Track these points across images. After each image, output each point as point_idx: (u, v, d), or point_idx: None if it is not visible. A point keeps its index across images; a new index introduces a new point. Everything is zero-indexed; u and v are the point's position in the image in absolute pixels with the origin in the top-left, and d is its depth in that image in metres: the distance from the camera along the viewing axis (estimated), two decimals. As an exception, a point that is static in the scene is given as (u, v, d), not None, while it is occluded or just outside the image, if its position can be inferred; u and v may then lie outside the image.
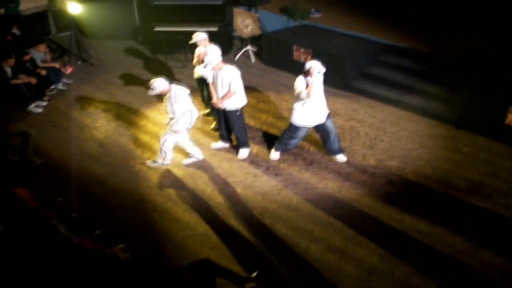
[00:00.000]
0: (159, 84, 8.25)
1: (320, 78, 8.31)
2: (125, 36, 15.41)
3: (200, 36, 9.75)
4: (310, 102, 8.35)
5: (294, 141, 9.04)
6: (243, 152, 9.35)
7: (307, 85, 8.19)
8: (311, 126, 8.75)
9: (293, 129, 8.80)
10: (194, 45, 9.92)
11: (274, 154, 9.29)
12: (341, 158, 9.11)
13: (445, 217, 7.64)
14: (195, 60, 9.92)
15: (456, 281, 6.57)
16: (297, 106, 8.55)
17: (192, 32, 9.91)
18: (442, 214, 7.71)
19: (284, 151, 9.27)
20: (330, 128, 8.76)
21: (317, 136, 9.13)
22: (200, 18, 13.74)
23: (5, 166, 8.34)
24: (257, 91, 11.75)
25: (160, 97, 8.94)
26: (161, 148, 8.77)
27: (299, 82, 8.30)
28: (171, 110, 8.45)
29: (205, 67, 8.79)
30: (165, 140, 8.65)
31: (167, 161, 9.06)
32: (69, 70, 12.84)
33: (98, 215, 7.91)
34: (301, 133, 8.86)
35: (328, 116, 8.70)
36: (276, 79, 12.53)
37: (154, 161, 9.13)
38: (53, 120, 10.98)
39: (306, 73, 8.19)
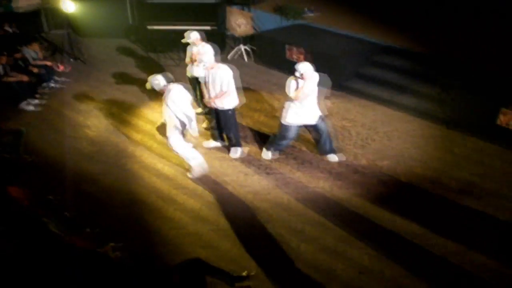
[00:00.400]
0: (154, 81, 8.12)
1: (314, 80, 8.32)
2: (118, 34, 15.40)
3: (193, 36, 9.73)
4: (302, 102, 8.36)
5: (285, 141, 9.04)
6: (235, 151, 9.35)
7: (297, 87, 8.22)
8: (301, 126, 8.77)
9: (283, 128, 8.80)
10: (187, 44, 9.90)
11: (266, 154, 9.30)
12: (332, 158, 9.11)
13: (436, 218, 7.66)
14: (187, 59, 9.91)
15: (446, 281, 6.59)
16: (287, 105, 8.56)
17: (185, 31, 9.89)
18: (433, 215, 7.73)
19: (275, 150, 9.28)
20: (322, 129, 8.77)
21: (309, 135, 9.15)
22: (194, 16, 13.72)
23: (-3, 164, 8.32)
24: (249, 90, 11.75)
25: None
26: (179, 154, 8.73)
27: (290, 83, 8.32)
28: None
29: (198, 66, 8.77)
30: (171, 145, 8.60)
31: (194, 160, 8.74)
32: (61, 68, 12.82)
33: (89, 213, 7.87)
34: (292, 133, 8.86)
35: (321, 118, 8.71)
36: (269, 79, 12.53)
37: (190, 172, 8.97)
38: (45, 118, 10.94)
39: (298, 76, 8.21)
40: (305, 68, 8.16)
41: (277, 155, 9.30)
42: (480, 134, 9.59)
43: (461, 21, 12.38)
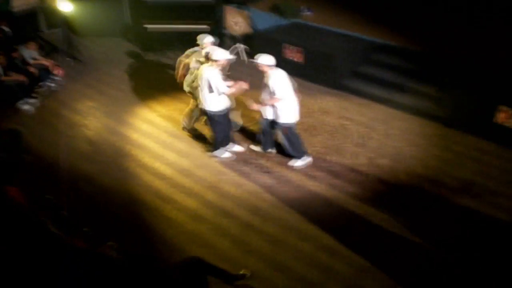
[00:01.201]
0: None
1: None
2: (115, 33, 15.32)
3: (208, 39, 9.40)
4: None
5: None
6: (220, 152, 9.32)
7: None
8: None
9: None
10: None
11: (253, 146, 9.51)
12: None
13: (435, 216, 7.67)
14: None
15: (446, 280, 6.59)
16: None
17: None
18: (432, 213, 7.74)
19: (261, 144, 9.31)
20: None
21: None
22: (191, 16, 13.69)
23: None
24: (248, 90, 11.70)
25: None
26: None
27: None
28: None
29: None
30: None
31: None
32: (59, 71, 12.77)
33: (87, 213, 7.84)
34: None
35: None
36: (267, 78, 12.48)
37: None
38: (43, 118, 10.90)
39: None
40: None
41: (259, 148, 9.40)
42: (478, 132, 9.58)
43: (458, 19, 12.36)
